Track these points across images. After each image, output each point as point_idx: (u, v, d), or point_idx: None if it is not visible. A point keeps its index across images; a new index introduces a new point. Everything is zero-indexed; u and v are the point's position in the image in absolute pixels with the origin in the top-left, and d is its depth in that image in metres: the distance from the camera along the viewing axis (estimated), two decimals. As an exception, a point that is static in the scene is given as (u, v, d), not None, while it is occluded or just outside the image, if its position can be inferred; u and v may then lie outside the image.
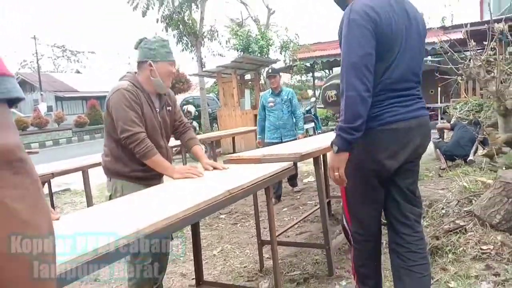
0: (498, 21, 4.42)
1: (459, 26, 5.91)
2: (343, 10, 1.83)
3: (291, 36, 14.66)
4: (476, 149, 5.54)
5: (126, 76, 2.31)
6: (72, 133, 22.43)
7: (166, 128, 2.39)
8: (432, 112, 12.04)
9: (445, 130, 7.09)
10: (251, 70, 10.99)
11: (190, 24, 12.94)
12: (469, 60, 4.75)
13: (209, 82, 19.30)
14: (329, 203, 4.11)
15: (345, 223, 2.11)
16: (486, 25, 4.51)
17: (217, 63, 11.96)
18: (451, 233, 2.89)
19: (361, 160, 1.82)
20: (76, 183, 6.58)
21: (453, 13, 5.01)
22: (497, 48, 4.36)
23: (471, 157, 5.32)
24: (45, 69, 38.42)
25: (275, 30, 16.49)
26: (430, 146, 7.15)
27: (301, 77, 16.99)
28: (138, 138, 2.11)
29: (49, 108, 27.56)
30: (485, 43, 4.53)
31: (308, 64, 13.99)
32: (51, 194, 4.75)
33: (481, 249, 2.64)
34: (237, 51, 13.85)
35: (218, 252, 3.61)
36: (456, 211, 3.16)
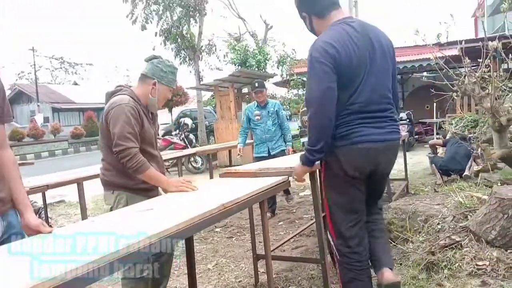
0: (492, 39, 4.48)
1: (454, 43, 5.99)
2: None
3: (288, 51, 14.84)
4: (471, 164, 5.56)
5: (124, 90, 2.33)
6: (68, 145, 22.36)
7: (156, 139, 2.48)
8: (428, 127, 12.13)
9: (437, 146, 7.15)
10: (248, 84, 11.05)
11: (189, 38, 13.04)
12: (464, 76, 4.80)
13: (206, 95, 19.37)
14: (325, 217, 4.09)
15: (329, 237, 2.23)
16: (480, 42, 4.56)
17: (215, 76, 12.06)
18: (447, 248, 2.88)
19: (335, 173, 2.06)
20: (71, 195, 6.53)
21: (448, 30, 5.06)
22: (491, 65, 4.40)
23: (466, 172, 5.34)
24: (42, 80, 38.42)
25: (273, 45, 16.72)
26: (426, 161, 7.20)
27: (298, 91, 17.12)
28: (130, 153, 2.13)
29: (46, 119, 27.49)
30: (480, 60, 4.59)
31: (304, 79, 14.06)
32: (45, 206, 4.70)
33: (476, 265, 2.63)
34: (235, 65, 13.97)
35: (212, 266, 3.58)
36: (452, 226, 3.15)
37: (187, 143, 10.45)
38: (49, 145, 21.36)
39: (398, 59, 11.53)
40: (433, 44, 5.69)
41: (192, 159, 9.46)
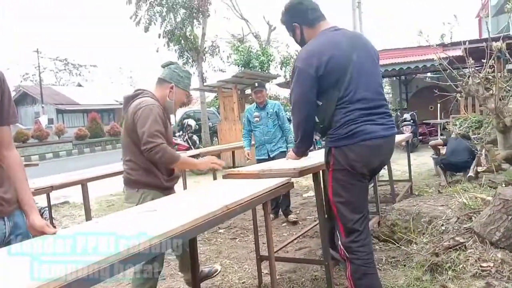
0: (497, 39, 4.47)
1: (458, 44, 5.97)
2: None
3: (291, 52, 14.82)
4: (475, 165, 5.53)
5: (146, 93, 2.47)
6: (73, 146, 22.45)
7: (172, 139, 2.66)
8: (432, 128, 12.09)
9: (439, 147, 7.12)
10: (252, 85, 11.06)
11: (192, 40, 13.06)
12: (468, 77, 4.79)
13: (210, 96, 19.41)
14: (330, 218, 4.08)
15: (338, 235, 2.26)
16: (484, 43, 4.55)
17: (218, 78, 12.07)
18: (451, 250, 2.87)
19: (344, 172, 2.15)
20: (75, 196, 6.56)
21: (452, 31, 5.05)
22: (495, 66, 4.40)
23: (470, 173, 5.31)
24: (47, 82, 38.60)
25: (276, 46, 16.74)
26: (430, 162, 7.17)
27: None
28: (161, 148, 2.28)
29: (50, 121, 27.66)
30: (484, 60, 4.57)
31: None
32: (50, 207, 4.73)
33: (481, 266, 2.62)
34: (238, 66, 13.98)
35: (216, 267, 3.58)
36: (456, 227, 3.14)
37: (190, 144, 10.47)
38: (53, 147, 21.47)
39: (402, 59, 11.57)
40: (436, 45, 5.66)
41: (195, 160, 9.45)
